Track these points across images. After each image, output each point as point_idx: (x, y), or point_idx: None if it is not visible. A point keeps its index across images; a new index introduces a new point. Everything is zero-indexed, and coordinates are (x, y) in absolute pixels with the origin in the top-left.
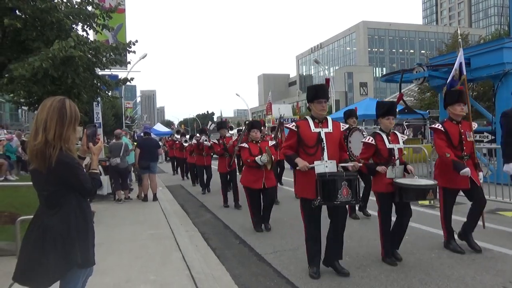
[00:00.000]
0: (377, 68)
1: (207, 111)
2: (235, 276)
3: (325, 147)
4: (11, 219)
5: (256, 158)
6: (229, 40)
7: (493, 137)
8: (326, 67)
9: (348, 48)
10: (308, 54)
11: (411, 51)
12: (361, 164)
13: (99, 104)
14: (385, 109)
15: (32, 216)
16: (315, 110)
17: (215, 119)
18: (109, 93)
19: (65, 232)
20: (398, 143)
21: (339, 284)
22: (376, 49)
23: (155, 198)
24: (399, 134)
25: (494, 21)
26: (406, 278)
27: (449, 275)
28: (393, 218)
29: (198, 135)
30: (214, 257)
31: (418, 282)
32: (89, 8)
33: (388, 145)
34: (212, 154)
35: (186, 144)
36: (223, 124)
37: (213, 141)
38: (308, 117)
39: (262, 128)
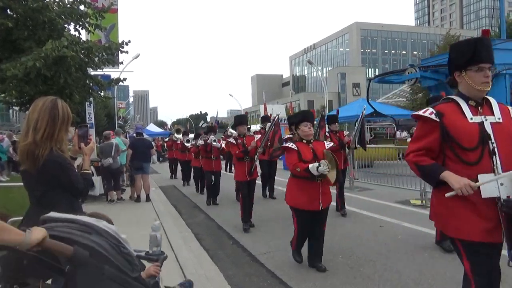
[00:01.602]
0: (370, 69)
1: (200, 112)
2: (228, 277)
3: (496, 149)
4: (2, 219)
5: (310, 166)
6: (223, 40)
7: None
8: (319, 68)
9: (341, 49)
10: (302, 55)
11: (404, 52)
12: None
13: (92, 105)
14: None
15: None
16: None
17: (208, 119)
18: (102, 93)
19: None
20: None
21: (332, 284)
22: (369, 50)
23: (148, 199)
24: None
25: (485, 23)
26: (399, 278)
27: (441, 274)
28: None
29: (203, 134)
30: (208, 258)
31: (411, 281)
32: (82, 7)
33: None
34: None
35: (188, 145)
36: (242, 119)
37: (230, 140)
38: (456, 97)
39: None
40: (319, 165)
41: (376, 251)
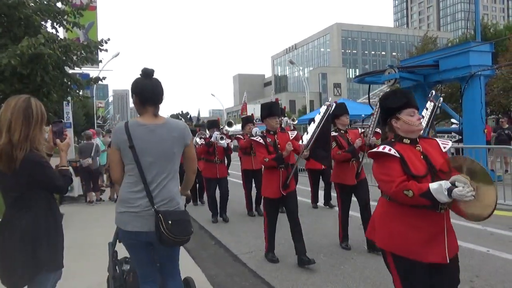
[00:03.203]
0: (350, 69)
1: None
2: (210, 277)
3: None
4: None
5: (433, 187)
6: (204, 39)
7: (460, 137)
8: (301, 68)
9: (322, 49)
10: (283, 55)
11: (383, 53)
12: None
13: (70, 104)
14: (267, 110)
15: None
16: None
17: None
18: (80, 92)
19: (34, 234)
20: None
21: (314, 283)
22: (349, 51)
23: None
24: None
25: (461, 25)
26: (378, 275)
27: None
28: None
29: (199, 130)
30: (189, 258)
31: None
32: (59, 5)
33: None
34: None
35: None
36: (273, 108)
37: (256, 139)
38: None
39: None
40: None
41: (357, 249)
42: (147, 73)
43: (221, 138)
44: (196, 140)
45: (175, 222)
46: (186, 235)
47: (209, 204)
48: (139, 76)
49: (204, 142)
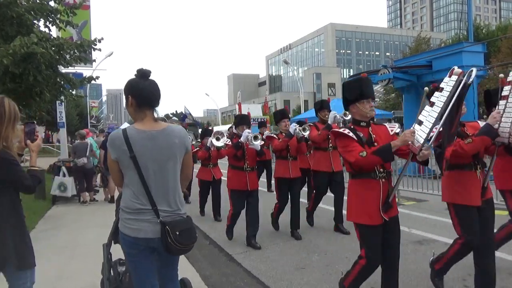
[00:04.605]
0: (344, 69)
1: (176, 111)
2: (205, 277)
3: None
4: None
5: None
6: (199, 39)
7: None
8: (295, 68)
9: (316, 49)
10: (278, 55)
11: (377, 53)
12: None
13: (63, 103)
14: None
15: None
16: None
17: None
18: (73, 92)
19: None
20: None
21: (308, 282)
22: (343, 51)
23: None
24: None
25: (454, 25)
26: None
27: (413, 269)
28: None
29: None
30: (184, 258)
31: None
32: (52, 3)
33: None
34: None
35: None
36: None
37: (341, 131)
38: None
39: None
40: None
41: (350, 248)
42: (144, 74)
43: (255, 138)
44: (212, 141)
45: (182, 232)
46: (192, 243)
47: (228, 227)
48: (134, 77)
49: (231, 143)
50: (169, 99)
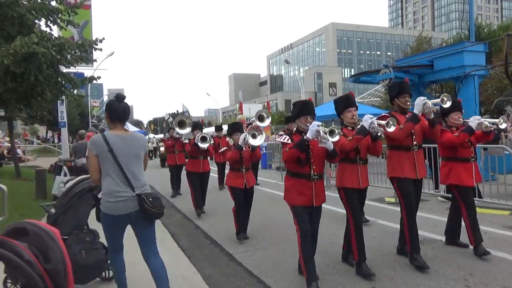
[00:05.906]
0: (345, 69)
1: (177, 110)
2: (206, 277)
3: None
4: None
5: None
6: (200, 38)
7: None
8: (296, 67)
9: (317, 49)
10: (279, 54)
11: (378, 52)
12: None
13: (64, 103)
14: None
15: None
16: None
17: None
18: (75, 92)
19: None
20: None
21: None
22: (344, 50)
23: None
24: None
25: (456, 25)
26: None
27: (414, 269)
28: None
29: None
30: (185, 258)
31: (384, 277)
32: (53, 3)
33: None
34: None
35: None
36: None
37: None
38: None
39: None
40: None
41: None
42: (120, 97)
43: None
44: (248, 140)
45: (153, 199)
46: (162, 207)
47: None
48: (113, 98)
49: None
50: (169, 99)
